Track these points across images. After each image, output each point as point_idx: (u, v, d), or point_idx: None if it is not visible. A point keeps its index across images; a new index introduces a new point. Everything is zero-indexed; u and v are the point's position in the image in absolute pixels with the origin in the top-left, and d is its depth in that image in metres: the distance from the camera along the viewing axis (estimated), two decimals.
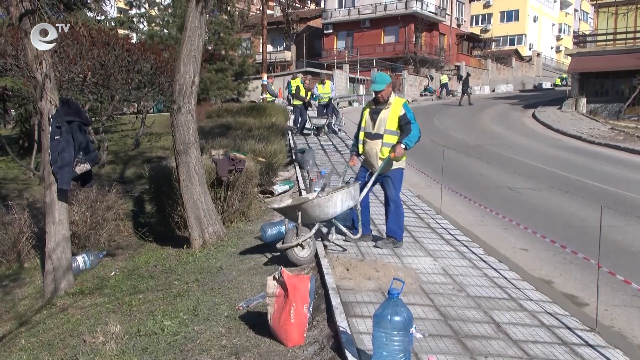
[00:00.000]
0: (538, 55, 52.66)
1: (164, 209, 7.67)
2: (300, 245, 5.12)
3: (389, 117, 5.54)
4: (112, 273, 6.53)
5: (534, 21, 54.71)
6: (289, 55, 45.28)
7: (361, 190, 5.57)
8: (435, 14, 42.10)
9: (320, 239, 5.65)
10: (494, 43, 51.65)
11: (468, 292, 4.61)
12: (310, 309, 3.78)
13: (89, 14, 16.02)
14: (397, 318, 2.88)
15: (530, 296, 4.66)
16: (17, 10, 5.72)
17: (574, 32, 45.26)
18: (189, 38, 6.61)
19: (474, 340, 3.64)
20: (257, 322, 4.02)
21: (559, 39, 59.63)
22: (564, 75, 42.87)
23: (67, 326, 4.99)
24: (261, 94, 22.99)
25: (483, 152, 14.25)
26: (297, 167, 10.48)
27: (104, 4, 13.99)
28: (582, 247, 5.56)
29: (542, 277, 5.52)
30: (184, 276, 5.69)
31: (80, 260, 6.71)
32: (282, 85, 28.09)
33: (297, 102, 15.92)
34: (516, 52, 50.75)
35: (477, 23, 53.77)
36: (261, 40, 24.45)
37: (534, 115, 23.70)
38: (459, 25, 46.76)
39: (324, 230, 5.54)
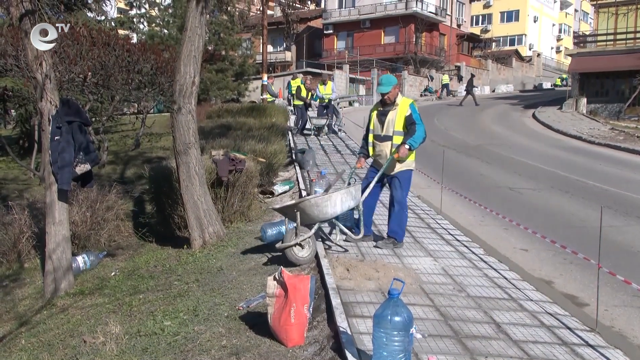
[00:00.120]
0: (538, 55, 52.67)
1: (164, 209, 7.67)
2: (300, 245, 5.12)
3: (397, 118, 5.54)
4: (112, 273, 6.53)
5: (534, 21, 54.71)
6: (289, 56, 45.29)
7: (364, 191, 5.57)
8: (436, 14, 42.10)
9: (320, 240, 5.65)
10: (494, 43, 51.64)
11: (468, 292, 4.61)
12: (311, 309, 3.78)
13: (89, 14, 16.05)
14: (397, 318, 2.89)
15: (530, 296, 4.66)
16: (17, 11, 5.73)
17: (574, 32, 45.27)
18: (189, 38, 6.61)
19: (474, 340, 3.64)
20: (257, 322, 4.02)
21: (559, 39, 59.63)
22: (564, 76, 42.85)
23: (67, 326, 4.99)
24: (261, 94, 23.01)
25: (483, 152, 14.25)
26: (297, 168, 10.48)
27: (104, 5, 14.01)
28: (583, 247, 5.56)
29: (542, 278, 5.52)
30: (184, 276, 5.69)
31: (81, 260, 6.71)
32: (282, 86, 28.11)
33: (298, 103, 15.93)
34: (516, 52, 50.75)
35: (477, 23, 53.77)
36: (261, 41, 24.46)
37: (534, 116, 23.70)
38: (459, 26, 46.77)
39: (327, 230, 5.54)
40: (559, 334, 3.87)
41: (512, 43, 53.49)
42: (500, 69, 45.94)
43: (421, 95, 36.49)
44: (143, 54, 11.45)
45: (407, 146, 5.40)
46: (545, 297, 4.68)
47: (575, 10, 61.86)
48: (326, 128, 15.85)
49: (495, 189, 9.84)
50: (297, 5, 47.42)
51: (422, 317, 3.95)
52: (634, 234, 7.03)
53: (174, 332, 4.15)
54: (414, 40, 40.79)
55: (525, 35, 53.86)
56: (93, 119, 11.57)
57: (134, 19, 24.05)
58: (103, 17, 18.49)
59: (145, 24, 24.21)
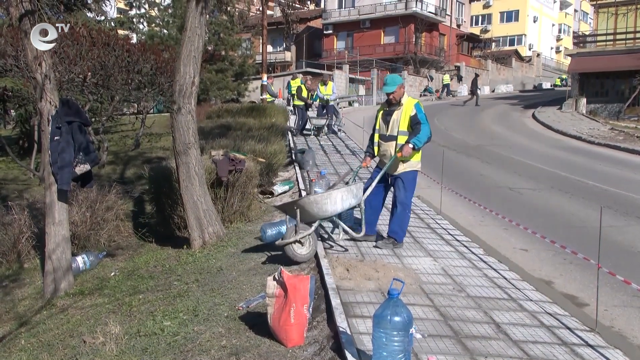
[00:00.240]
0: (538, 55, 52.69)
1: (164, 210, 7.67)
2: (300, 242, 5.11)
3: (402, 118, 5.54)
4: (112, 273, 6.53)
5: (534, 21, 54.73)
6: (288, 56, 45.30)
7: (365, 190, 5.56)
8: (435, 14, 42.12)
9: (320, 239, 5.64)
10: (493, 43, 51.67)
11: (468, 292, 4.60)
12: (310, 310, 3.78)
13: (89, 14, 16.04)
14: (397, 318, 2.88)
15: (530, 296, 4.66)
16: (17, 11, 5.73)
17: (573, 32, 45.27)
18: (189, 38, 6.61)
19: (474, 340, 3.64)
20: (257, 322, 4.02)
21: (558, 39, 59.65)
22: (564, 76, 42.89)
23: (67, 327, 4.99)
24: (261, 95, 23.03)
25: (483, 152, 14.25)
26: (297, 168, 10.49)
27: (104, 5, 13.98)
28: (582, 247, 5.56)
29: (542, 278, 5.52)
30: (184, 276, 5.69)
31: (80, 260, 6.71)
32: (282, 86, 28.12)
33: (298, 103, 15.93)
34: (516, 52, 50.77)
35: (477, 23, 53.79)
36: (261, 41, 24.49)
37: (534, 116, 23.71)
38: (458, 26, 46.77)
39: (330, 229, 5.53)
40: (558, 334, 3.87)
41: (511, 43, 53.51)
42: (500, 69, 45.96)
43: (421, 96, 36.48)
44: (143, 54, 11.45)
45: (410, 145, 5.39)
46: (545, 297, 4.67)
47: (575, 11, 61.88)
48: (326, 128, 15.86)
49: (495, 189, 9.84)
50: (296, 5, 47.40)
51: (421, 317, 3.95)
52: (634, 234, 7.03)
53: (174, 332, 4.15)
54: (414, 40, 40.80)
55: (525, 35, 53.89)
56: (93, 119, 11.57)
57: (134, 19, 24.08)
58: (103, 18, 18.51)
59: (145, 24, 24.23)
